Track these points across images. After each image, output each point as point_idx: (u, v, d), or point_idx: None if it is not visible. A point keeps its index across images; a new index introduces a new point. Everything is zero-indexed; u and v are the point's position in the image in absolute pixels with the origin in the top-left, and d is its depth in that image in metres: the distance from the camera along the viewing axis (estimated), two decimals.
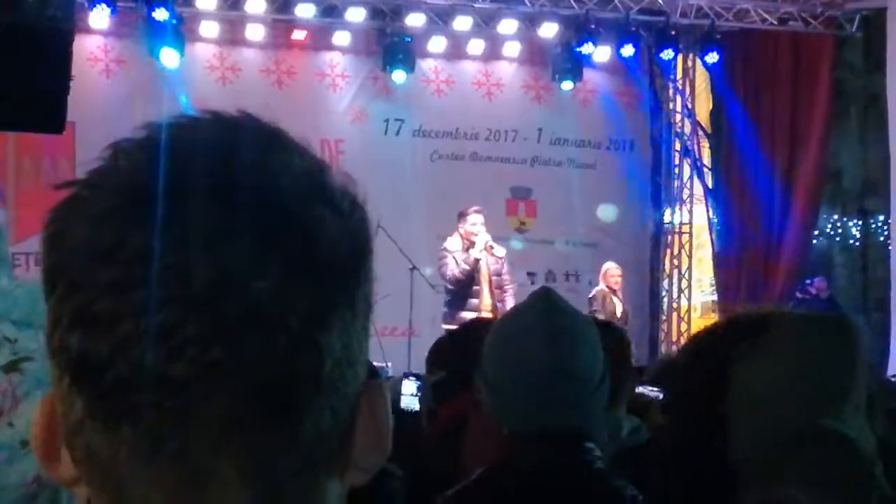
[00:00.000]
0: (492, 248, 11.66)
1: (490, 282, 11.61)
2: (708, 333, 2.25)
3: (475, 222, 11.59)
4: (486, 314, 11.23)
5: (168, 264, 0.82)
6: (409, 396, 5.66)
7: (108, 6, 13.04)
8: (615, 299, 13.20)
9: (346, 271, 0.89)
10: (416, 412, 5.23)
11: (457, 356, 5.42)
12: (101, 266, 0.83)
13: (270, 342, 0.83)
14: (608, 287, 13.28)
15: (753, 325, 2.13)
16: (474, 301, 11.50)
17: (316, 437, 0.87)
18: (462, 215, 11.71)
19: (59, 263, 0.86)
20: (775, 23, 15.02)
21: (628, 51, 14.87)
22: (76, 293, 0.84)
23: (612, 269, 13.56)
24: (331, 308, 0.87)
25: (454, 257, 11.49)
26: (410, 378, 5.71)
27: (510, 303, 10.93)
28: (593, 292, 13.34)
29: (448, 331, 9.44)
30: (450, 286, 11.60)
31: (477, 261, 11.49)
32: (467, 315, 11.16)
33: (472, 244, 11.55)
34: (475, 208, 11.70)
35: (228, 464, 0.85)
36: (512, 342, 2.57)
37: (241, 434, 0.84)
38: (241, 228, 0.84)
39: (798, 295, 14.58)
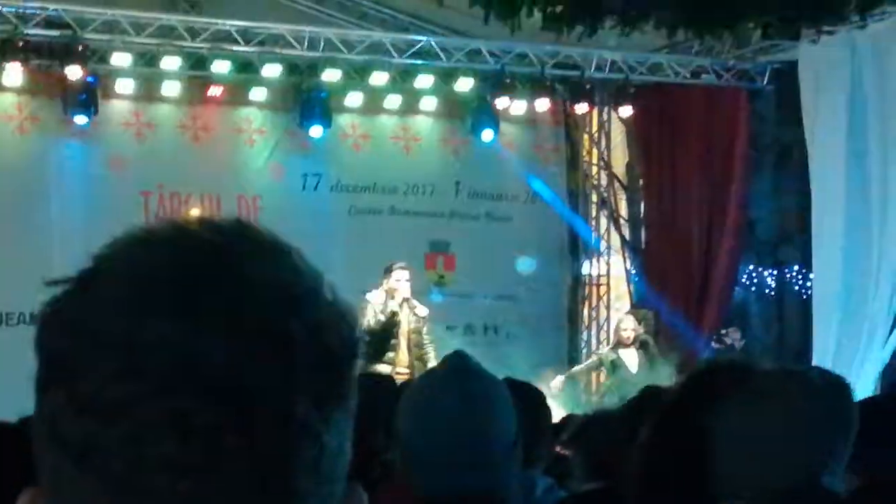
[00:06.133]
0: (414, 306, 11.73)
1: (409, 339, 11.64)
2: (689, 381, 2.37)
3: (399, 278, 11.70)
4: (403, 370, 11.23)
5: (180, 353, 0.85)
6: None
7: (22, 64, 12.96)
8: (626, 354, 12.79)
9: (342, 368, 0.93)
10: None
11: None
12: (114, 354, 0.86)
13: (278, 433, 0.87)
14: (621, 342, 12.91)
15: (736, 377, 2.24)
16: (391, 355, 11.52)
17: None
18: (388, 270, 11.81)
19: (68, 349, 0.88)
20: (688, 76, 15.21)
21: (543, 104, 15.03)
22: (86, 379, 0.86)
23: (624, 321, 13.31)
24: (329, 402, 0.91)
25: (374, 308, 11.51)
26: None
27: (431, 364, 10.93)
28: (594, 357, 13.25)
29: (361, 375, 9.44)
30: (366, 337, 11.58)
31: (394, 314, 11.52)
32: (383, 368, 11.15)
33: (394, 298, 11.61)
34: (401, 264, 11.79)
35: None
36: (425, 405, 2.57)
37: None
38: (250, 320, 0.88)
39: (714, 345, 14.68)
